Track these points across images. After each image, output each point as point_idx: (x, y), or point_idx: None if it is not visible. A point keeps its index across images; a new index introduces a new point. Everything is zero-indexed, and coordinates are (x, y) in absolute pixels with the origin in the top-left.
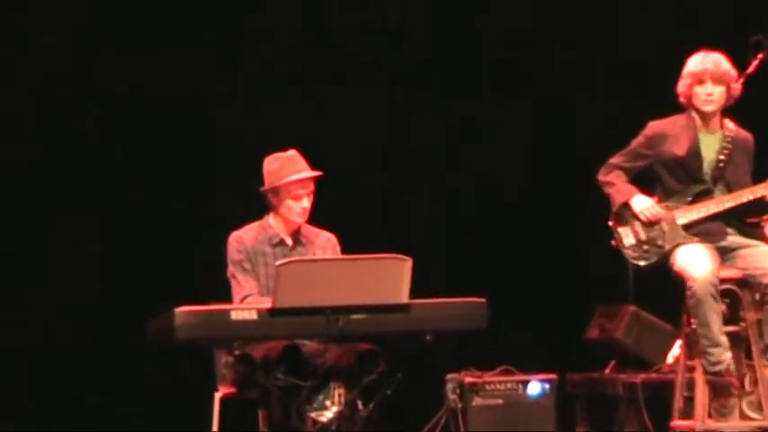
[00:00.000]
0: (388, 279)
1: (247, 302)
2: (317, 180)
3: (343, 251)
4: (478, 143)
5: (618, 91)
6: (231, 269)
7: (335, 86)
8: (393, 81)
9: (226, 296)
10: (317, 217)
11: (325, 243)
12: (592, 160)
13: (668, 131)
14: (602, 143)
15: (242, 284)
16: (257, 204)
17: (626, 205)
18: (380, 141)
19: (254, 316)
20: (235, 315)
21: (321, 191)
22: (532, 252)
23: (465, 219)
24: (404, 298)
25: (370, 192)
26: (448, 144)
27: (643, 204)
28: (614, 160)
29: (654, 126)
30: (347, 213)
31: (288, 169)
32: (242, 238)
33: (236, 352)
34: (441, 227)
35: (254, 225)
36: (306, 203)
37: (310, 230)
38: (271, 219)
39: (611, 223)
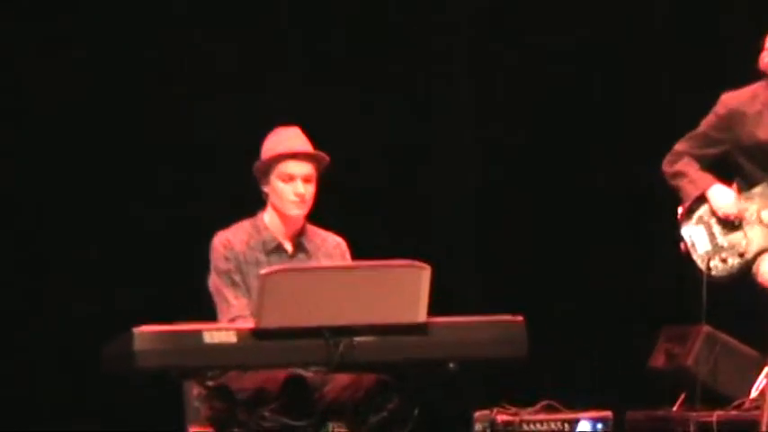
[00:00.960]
0: (402, 292)
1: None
2: (322, 171)
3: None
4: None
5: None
6: (216, 281)
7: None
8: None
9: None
10: (321, 219)
11: (332, 249)
12: (658, 148)
13: (747, 108)
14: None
15: (230, 302)
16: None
17: (701, 200)
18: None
19: (232, 338)
20: (209, 337)
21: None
22: (581, 261)
23: (497, 221)
24: (421, 316)
25: (382, 189)
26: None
27: (724, 198)
28: (681, 146)
29: (728, 101)
30: (354, 213)
31: (281, 144)
32: (231, 242)
33: (211, 383)
34: (468, 230)
35: (245, 225)
36: (300, 188)
37: (317, 234)
38: (266, 216)
39: (680, 224)
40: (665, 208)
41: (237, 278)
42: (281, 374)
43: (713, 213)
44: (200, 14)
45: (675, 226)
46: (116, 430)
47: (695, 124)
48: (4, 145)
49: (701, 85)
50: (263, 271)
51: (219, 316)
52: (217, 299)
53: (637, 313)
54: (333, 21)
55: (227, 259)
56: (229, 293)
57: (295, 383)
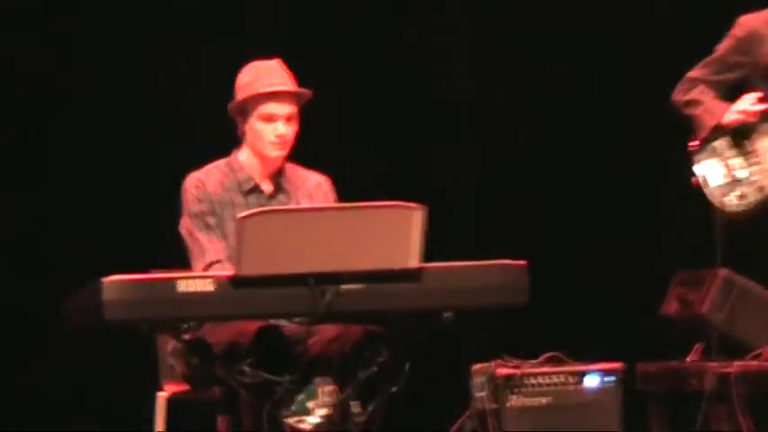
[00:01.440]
0: (393, 235)
1: (213, 270)
2: (302, 105)
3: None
4: None
5: None
6: (188, 225)
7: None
8: None
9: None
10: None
11: (314, 189)
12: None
13: (766, 31)
14: None
15: (204, 247)
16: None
17: (717, 131)
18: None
19: (209, 287)
20: (184, 286)
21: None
22: (585, 202)
23: (500, 161)
24: (414, 261)
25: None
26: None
27: (741, 105)
28: (695, 73)
29: (746, 23)
30: (345, 155)
31: (261, 81)
32: (203, 183)
33: (187, 337)
34: (468, 169)
35: (219, 164)
36: (282, 129)
37: (298, 173)
38: (241, 155)
39: (692, 157)
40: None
41: (212, 221)
42: (252, 326)
43: (732, 144)
44: None
45: (687, 160)
46: (116, 430)
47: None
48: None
49: None
50: (241, 214)
51: (193, 262)
52: (190, 244)
53: (647, 258)
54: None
55: (199, 201)
56: (203, 237)
57: (268, 335)
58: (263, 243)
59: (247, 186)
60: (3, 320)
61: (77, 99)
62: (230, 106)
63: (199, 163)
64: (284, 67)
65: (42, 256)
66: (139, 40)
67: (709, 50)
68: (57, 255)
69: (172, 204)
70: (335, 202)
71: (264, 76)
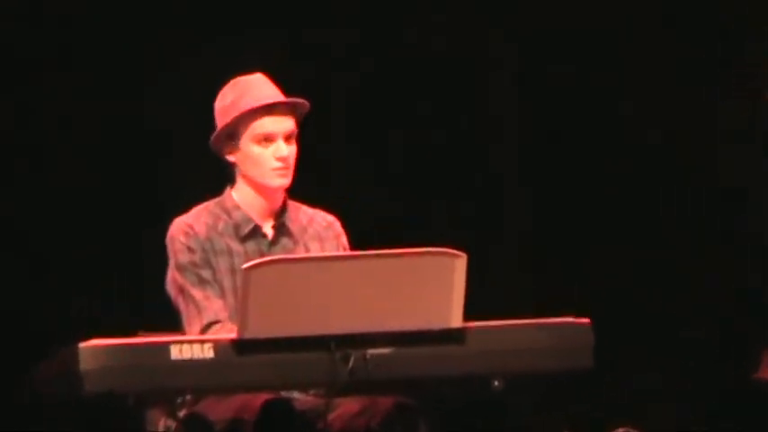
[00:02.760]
0: (431, 288)
1: (213, 333)
2: (301, 120)
3: (354, 244)
4: None
5: None
6: (178, 280)
7: None
8: None
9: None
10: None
11: (323, 231)
12: None
13: None
14: None
15: (200, 304)
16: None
17: None
18: None
19: (209, 353)
20: (177, 352)
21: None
22: (654, 246)
23: (552, 199)
24: (456, 319)
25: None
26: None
27: None
28: None
29: None
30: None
31: (249, 96)
32: (193, 228)
33: (182, 413)
34: (518, 207)
35: (209, 206)
36: (284, 149)
37: (301, 211)
38: (235, 194)
39: None
40: None
41: (206, 274)
42: (259, 399)
43: None
44: None
45: None
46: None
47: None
48: None
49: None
50: (246, 265)
51: (187, 325)
52: (182, 303)
53: (733, 311)
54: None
55: (190, 250)
56: (198, 293)
57: (278, 409)
58: (273, 299)
59: (246, 229)
60: None
61: None
62: (214, 137)
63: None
64: (268, 79)
65: None
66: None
67: (709, 49)
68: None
69: (160, 254)
70: (348, 246)
71: (252, 89)
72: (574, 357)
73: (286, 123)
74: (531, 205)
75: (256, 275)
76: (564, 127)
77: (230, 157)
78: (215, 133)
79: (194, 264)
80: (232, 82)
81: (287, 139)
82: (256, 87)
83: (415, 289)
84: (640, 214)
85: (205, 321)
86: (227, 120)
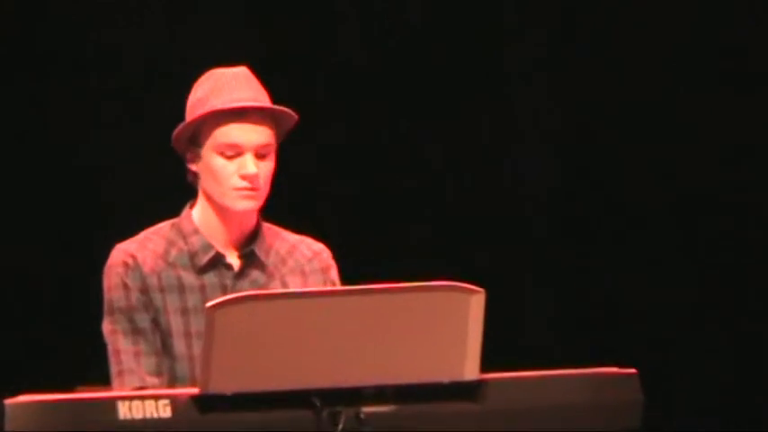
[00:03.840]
0: (441, 332)
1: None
2: (284, 137)
3: (346, 278)
4: None
5: None
6: (107, 326)
7: None
8: None
9: None
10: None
11: (307, 263)
12: None
13: None
14: None
15: (124, 364)
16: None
17: None
18: None
19: (165, 412)
20: (127, 410)
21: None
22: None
23: (578, 221)
24: (472, 370)
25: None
26: None
27: None
28: None
29: None
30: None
31: (220, 94)
32: (135, 258)
33: None
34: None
35: (162, 229)
36: (251, 167)
37: (281, 238)
38: (195, 213)
39: None
40: None
41: (142, 320)
42: None
43: None
44: None
45: None
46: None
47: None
48: None
49: None
50: (209, 303)
51: (114, 380)
52: (110, 352)
53: None
54: None
55: (126, 288)
56: (126, 347)
57: None
58: (243, 345)
59: (205, 258)
60: None
61: None
62: (174, 134)
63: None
64: (254, 77)
65: None
66: None
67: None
68: None
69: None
70: (339, 282)
71: (226, 87)
72: (619, 416)
73: (259, 135)
74: (560, 235)
75: (222, 316)
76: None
77: (192, 166)
78: (176, 130)
79: (129, 307)
80: (209, 73)
81: (260, 154)
82: (231, 85)
83: (420, 332)
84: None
85: (127, 387)
86: (190, 119)
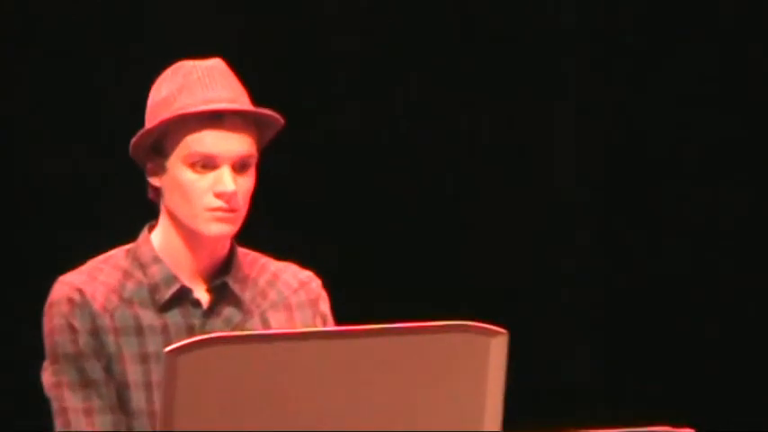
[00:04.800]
0: (456, 380)
1: None
2: (266, 144)
3: (339, 317)
4: None
5: None
6: (50, 376)
7: None
8: None
9: None
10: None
11: (293, 296)
12: None
13: None
14: None
15: (72, 423)
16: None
17: None
18: None
19: None
20: None
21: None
22: None
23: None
24: (492, 423)
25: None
26: None
27: None
28: None
29: None
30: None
31: (191, 93)
32: (83, 294)
33: None
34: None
35: (115, 257)
36: (228, 183)
37: (260, 266)
38: (155, 238)
39: None
40: None
41: (93, 370)
42: None
43: None
44: None
45: None
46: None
47: None
48: None
49: None
50: (168, 348)
51: None
52: (54, 406)
53: None
54: None
55: (72, 330)
56: (74, 404)
57: None
58: (210, 400)
59: (168, 293)
60: None
61: None
62: (133, 141)
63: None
64: (231, 72)
65: None
66: None
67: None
68: None
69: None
70: (331, 317)
71: (198, 84)
72: None
73: (239, 144)
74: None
75: (185, 363)
76: None
77: (154, 180)
78: (135, 137)
79: (77, 354)
80: (176, 66)
81: (238, 166)
82: (203, 82)
83: (431, 381)
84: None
85: None
86: (153, 123)
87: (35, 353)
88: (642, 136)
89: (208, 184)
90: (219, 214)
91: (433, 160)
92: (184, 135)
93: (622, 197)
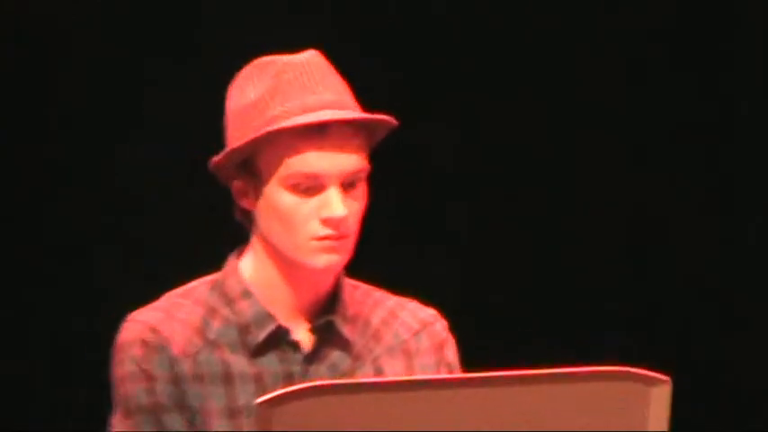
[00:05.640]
0: None
1: None
2: (375, 146)
3: (470, 364)
4: None
5: None
6: (118, 425)
7: None
8: None
9: None
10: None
11: (413, 340)
12: None
13: None
14: None
15: None
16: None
17: None
18: None
19: None
20: None
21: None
22: None
23: None
24: None
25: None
26: None
27: None
28: None
29: None
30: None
31: (285, 100)
32: (160, 334)
33: None
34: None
35: (197, 290)
36: (338, 207)
37: (373, 301)
38: (246, 267)
39: None
40: None
41: (173, 423)
42: None
43: None
44: None
45: None
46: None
47: None
48: None
49: None
50: (260, 399)
51: None
52: None
53: None
54: None
55: (147, 377)
56: None
57: None
58: None
59: (262, 334)
60: None
61: None
62: (218, 160)
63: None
64: (329, 65)
65: None
66: None
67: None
68: None
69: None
70: (458, 364)
71: (294, 86)
72: None
73: (347, 159)
74: None
75: (281, 416)
76: None
77: (243, 202)
78: (220, 155)
79: (154, 405)
80: (263, 62)
81: (347, 185)
82: (300, 83)
83: None
84: None
85: None
86: (241, 139)
87: (99, 400)
88: None
89: (313, 208)
90: (328, 243)
91: None
92: (282, 151)
93: None
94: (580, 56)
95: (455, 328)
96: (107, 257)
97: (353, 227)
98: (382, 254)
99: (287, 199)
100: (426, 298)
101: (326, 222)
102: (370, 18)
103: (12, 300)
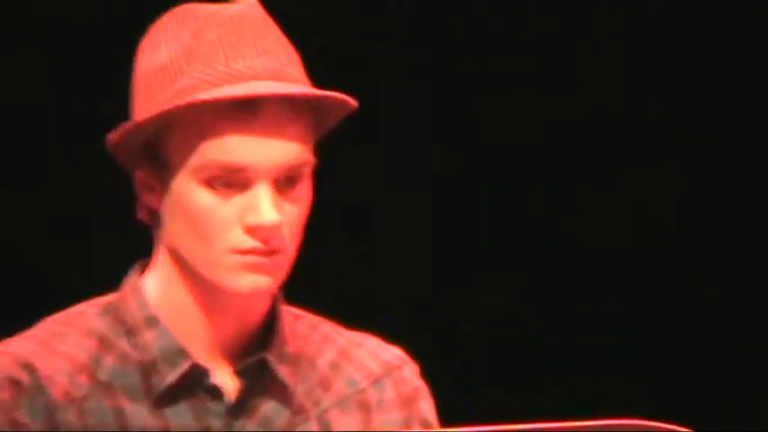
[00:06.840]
0: None
1: None
2: (325, 133)
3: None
4: None
5: None
6: None
7: None
8: None
9: None
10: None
11: (372, 388)
12: None
13: None
14: None
15: None
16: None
17: None
18: None
19: None
20: None
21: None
22: None
23: None
24: None
25: None
26: None
27: None
28: None
29: None
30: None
31: (207, 64)
32: (34, 371)
33: None
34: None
35: (83, 316)
36: (267, 212)
37: (319, 337)
38: (149, 284)
39: None
40: None
41: None
42: None
43: None
44: None
45: None
46: None
47: None
48: None
49: None
50: None
51: None
52: None
53: None
54: None
55: (15, 426)
56: None
57: None
58: None
59: (170, 376)
60: None
61: None
62: (115, 136)
63: None
64: (270, 21)
65: None
66: None
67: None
68: None
69: None
70: (435, 419)
71: (217, 47)
72: None
73: (284, 147)
74: None
75: None
76: None
77: (148, 197)
78: (117, 130)
79: None
80: (180, 11)
81: (282, 183)
82: (226, 43)
83: None
84: None
85: None
86: (144, 114)
87: None
88: None
89: (235, 211)
90: (253, 259)
91: None
92: (197, 133)
93: None
94: (580, 56)
95: (428, 371)
96: None
97: (290, 239)
98: (333, 274)
99: (200, 197)
100: (390, 333)
101: (252, 231)
102: None
103: None
